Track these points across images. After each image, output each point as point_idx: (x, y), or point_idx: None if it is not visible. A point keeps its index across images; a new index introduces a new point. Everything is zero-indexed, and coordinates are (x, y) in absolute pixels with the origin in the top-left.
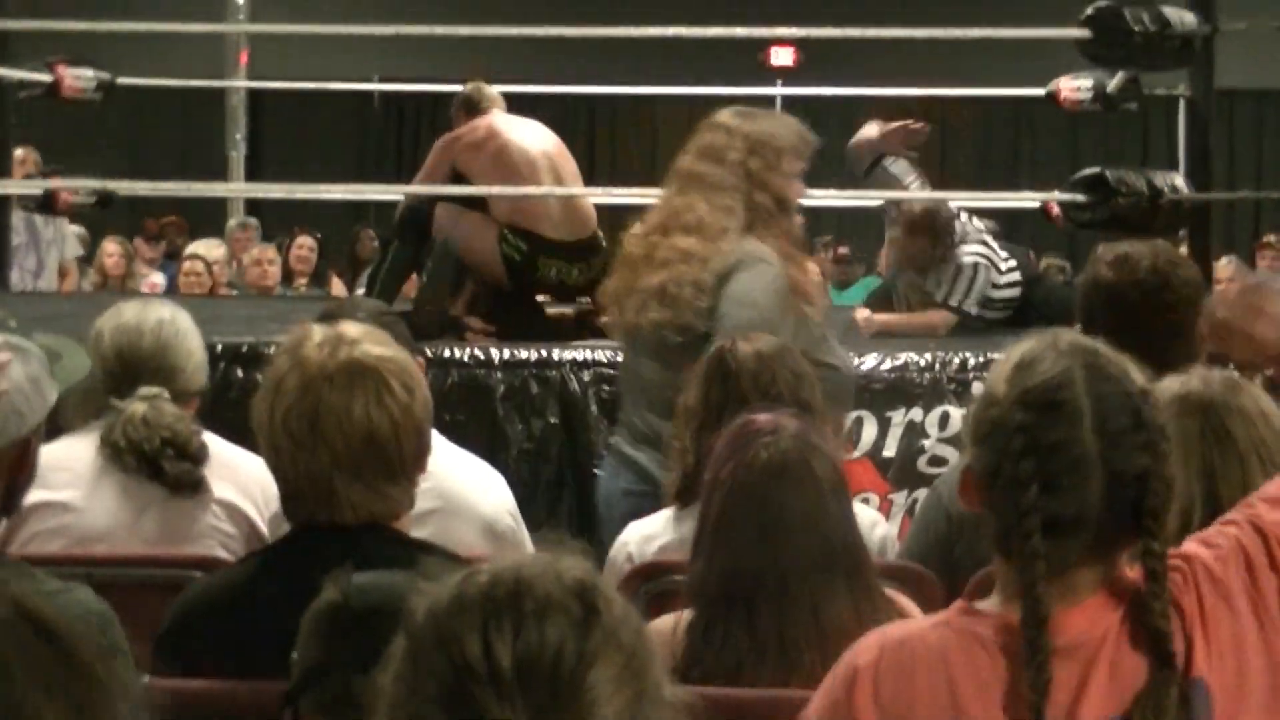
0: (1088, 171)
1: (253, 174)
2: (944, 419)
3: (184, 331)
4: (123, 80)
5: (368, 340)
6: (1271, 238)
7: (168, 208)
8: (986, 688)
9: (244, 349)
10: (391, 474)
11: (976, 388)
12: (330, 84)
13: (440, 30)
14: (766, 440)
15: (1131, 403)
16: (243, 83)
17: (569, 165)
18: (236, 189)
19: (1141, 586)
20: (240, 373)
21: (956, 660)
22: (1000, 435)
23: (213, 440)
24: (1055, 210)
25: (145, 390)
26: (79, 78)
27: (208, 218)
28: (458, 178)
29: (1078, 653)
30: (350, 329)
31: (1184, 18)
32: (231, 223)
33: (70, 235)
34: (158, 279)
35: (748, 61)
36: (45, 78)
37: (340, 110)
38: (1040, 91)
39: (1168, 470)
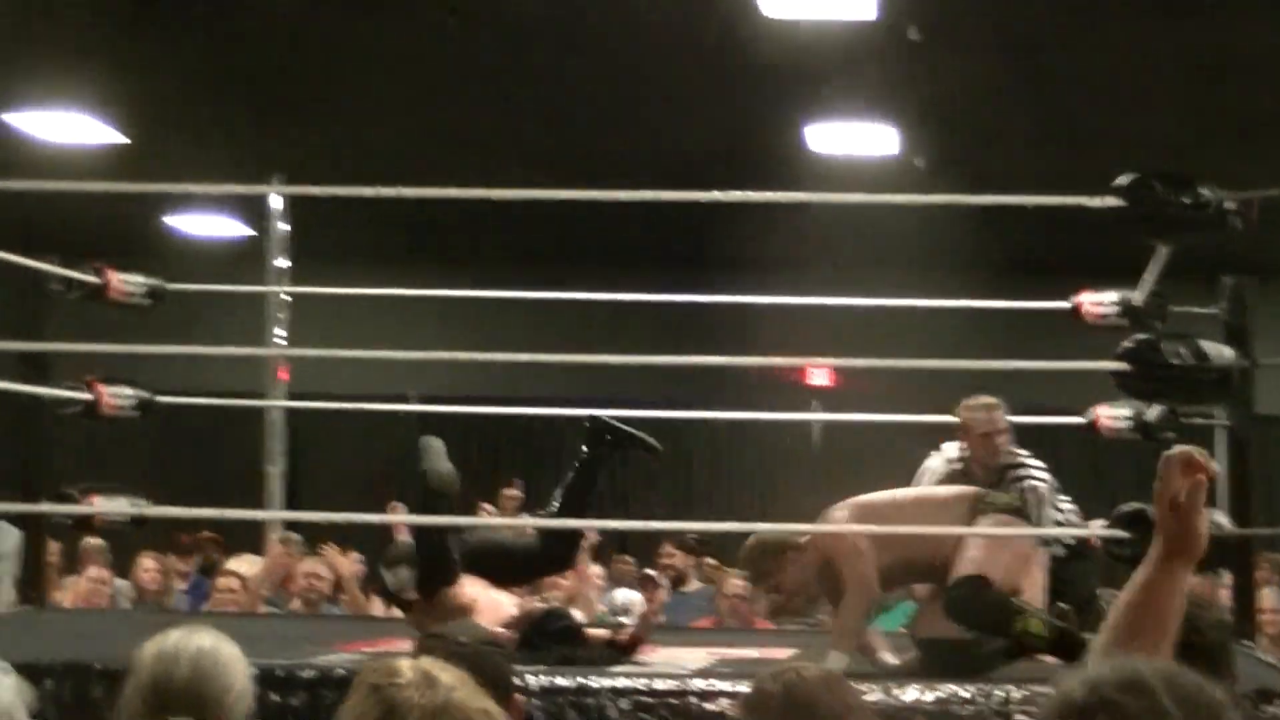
0: (1128, 507)
1: (291, 482)
2: None
3: (225, 662)
4: (162, 399)
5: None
6: None
7: (203, 521)
8: None
9: (277, 672)
10: None
11: None
12: (367, 404)
13: (480, 356)
14: (790, 671)
15: (1206, 695)
16: (281, 403)
17: None
18: (274, 515)
19: None
20: (276, 697)
21: None
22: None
23: None
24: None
25: None
26: (117, 395)
27: (243, 531)
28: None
29: None
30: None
31: (1222, 352)
32: (274, 538)
33: None
34: None
35: (783, 382)
36: (85, 396)
37: (377, 421)
38: (1080, 420)
39: None
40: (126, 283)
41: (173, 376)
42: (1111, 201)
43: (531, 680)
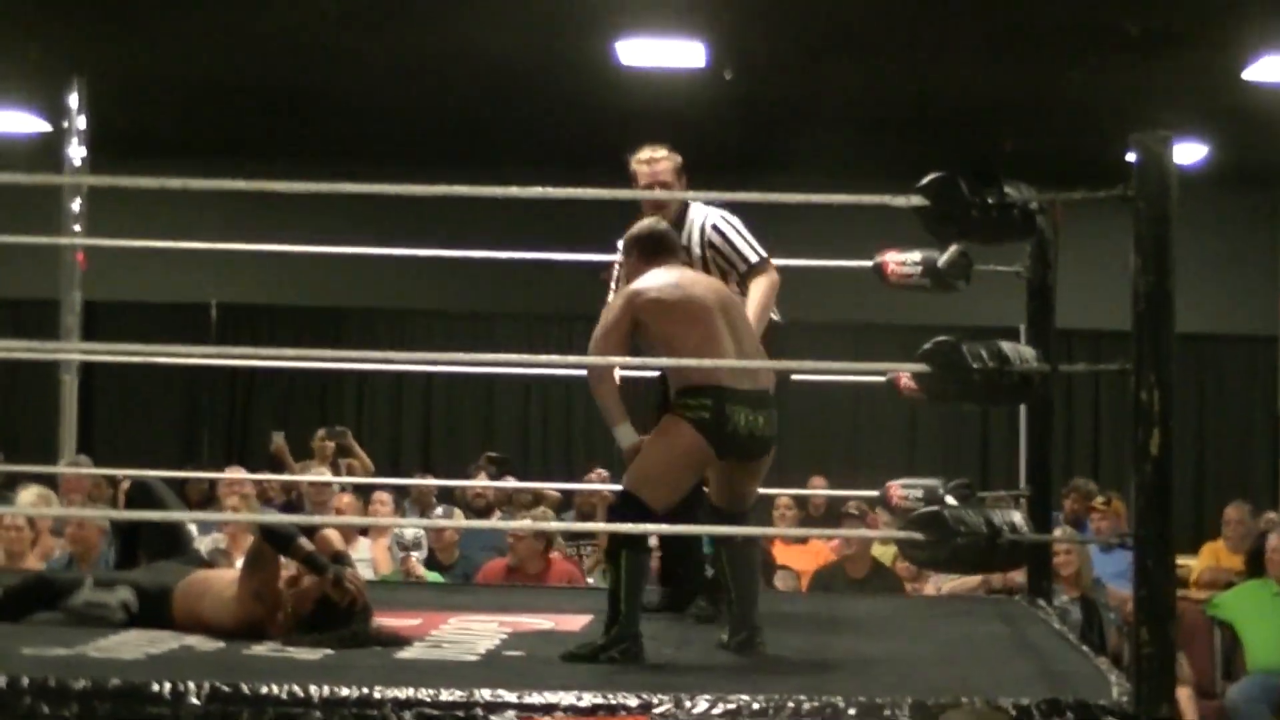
0: (925, 510)
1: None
2: None
3: None
4: None
5: None
6: (1099, 499)
7: None
8: None
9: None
10: None
11: None
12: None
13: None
14: None
15: None
16: (76, 355)
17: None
18: (64, 470)
19: None
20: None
21: None
22: None
23: None
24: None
25: None
26: None
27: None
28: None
29: None
30: None
31: (1022, 354)
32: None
33: None
34: None
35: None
36: None
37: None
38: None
39: None
40: None
41: None
42: (916, 200)
43: (314, 690)
